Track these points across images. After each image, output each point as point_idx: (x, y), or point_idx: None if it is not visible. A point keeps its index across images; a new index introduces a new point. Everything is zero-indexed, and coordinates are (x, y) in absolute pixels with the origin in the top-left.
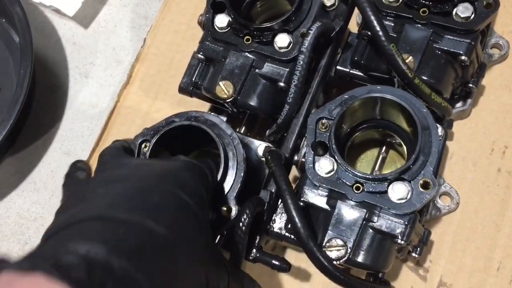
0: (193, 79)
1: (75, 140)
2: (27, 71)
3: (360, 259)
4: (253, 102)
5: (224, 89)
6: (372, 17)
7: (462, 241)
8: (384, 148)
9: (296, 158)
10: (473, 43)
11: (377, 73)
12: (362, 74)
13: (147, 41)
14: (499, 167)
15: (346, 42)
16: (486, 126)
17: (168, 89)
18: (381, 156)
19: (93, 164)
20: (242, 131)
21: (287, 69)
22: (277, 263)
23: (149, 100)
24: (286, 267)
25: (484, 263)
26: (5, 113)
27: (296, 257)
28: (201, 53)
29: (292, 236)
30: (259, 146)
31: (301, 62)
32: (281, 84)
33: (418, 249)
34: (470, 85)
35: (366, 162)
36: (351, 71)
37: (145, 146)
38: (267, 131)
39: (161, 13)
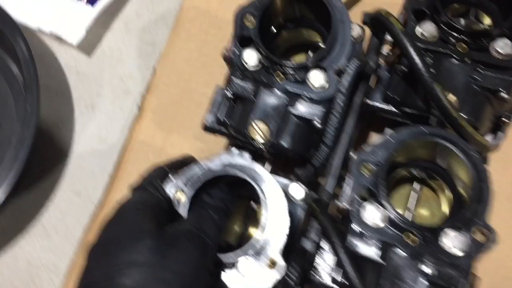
0: (219, 117)
1: (85, 178)
2: (34, 109)
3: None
4: (288, 145)
5: (260, 132)
6: (414, 54)
7: None
8: (415, 183)
9: (340, 205)
10: None
11: (412, 109)
12: (394, 110)
13: (157, 70)
14: None
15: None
16: None
17: (182, 121)
18: (413, 193)
19: (107, 206)
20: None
21: (323, 109)
22: None
23: (163, 134)
24: None
25: None
26: (7, 151)
27: None
28: (229, 90)
29: None
30: (294, 188)
31: (341, 104)
32: (317, 124)
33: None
34: (503, 119)
35: (398, 198)
36: (381, 106)
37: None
38: (299, 171)
39: (170, 39)
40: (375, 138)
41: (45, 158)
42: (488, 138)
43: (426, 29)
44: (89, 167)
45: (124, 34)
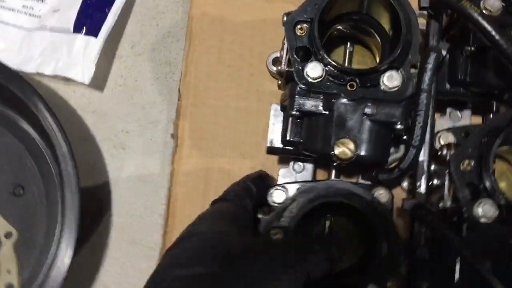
0: (287, 137)
1: (135, 224)
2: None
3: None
4: (371, 154)
5: (345, 148)
6: (489, 26)
7: None
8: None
9: (443, 205)
10: None
11: (484, 88)
12: (463, 91)
13: (182, 92)
14: None
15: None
16: None
17: (224, 142)
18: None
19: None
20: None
21: (401, 109)
22: None
23: (207, 160)
24: None
25: None
26: (37, 214)
27: None
28: (295, 109)
29: None
30: (379, 192)
31: (425, 101)
32: (398, 126)
33: None
34: None
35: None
36: (451, 90)
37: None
38: (381, 176)
39: (186, 55)
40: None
41: (87, 213)
42: None
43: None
44: (136, 212)
45: (133, 58)
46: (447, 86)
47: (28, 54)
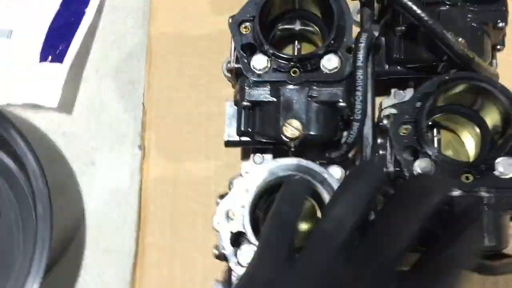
0: (241, 128)
1: (109, 234)
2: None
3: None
4: (320, 132)
5: (292, 128)
6: (420, 11)
7: None
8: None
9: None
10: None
11: (418, 63)
12: (400, 69)
13: (146, 106)
14: None
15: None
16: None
17: (189, 147)
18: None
19: (143, 252)
20: None
21: (342, 88)
22: None
23: (174, 165)
24: None
25: None
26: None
27: None
28: (246, 100)
29: None
30: (333, 170)
31: (361, 77)
32: (341, 104)
33: None
34: (498, 47)
35: None
36: (389, 69)
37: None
38: (331, 154)
39: (148, 72)
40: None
41: (62, 228)
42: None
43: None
44: (110, 222)
45: (98, 80)
46: (386, 66)
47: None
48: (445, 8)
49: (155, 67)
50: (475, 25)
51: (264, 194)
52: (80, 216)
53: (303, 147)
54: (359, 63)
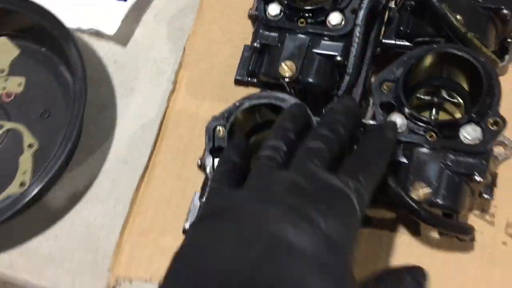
0: (249, 69)
1: (130, 149)
2: (82, 95)
3: (441, 200)
4: (313, 79)
5: (287, 68)
6: None
7: None
8: (434, 110)
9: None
10: None
11: (423, 38)
12: (407, 43)
13: (187, 50)
14: None
15: (388, 17)
16: None
17: (212, 89)
18: (432, 118)
19: (152, 170)
20: None
21: (342, 43)
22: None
23: (197, 102)
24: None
25: None
26: (58, 134)
27: None
28: (257, 42)
29: None
30: None
31: (358, 34)
32: (338, 58)
33: (489, 189)
34: (509, 40)
35: None
36: (397, 42)
37: (219, 131)
38: (325, 107)
39: (196, 23)
40: None
41: (93, 137)
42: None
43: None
44: (133, 140)
45: (155, 23)
46: (396, 39)
47: (71, 13)
48: None
49: (202, 20)
50: (480, 10)
51: (251, 117)
52: (111, 131)
53: (303, 94)
54: (358, 22)
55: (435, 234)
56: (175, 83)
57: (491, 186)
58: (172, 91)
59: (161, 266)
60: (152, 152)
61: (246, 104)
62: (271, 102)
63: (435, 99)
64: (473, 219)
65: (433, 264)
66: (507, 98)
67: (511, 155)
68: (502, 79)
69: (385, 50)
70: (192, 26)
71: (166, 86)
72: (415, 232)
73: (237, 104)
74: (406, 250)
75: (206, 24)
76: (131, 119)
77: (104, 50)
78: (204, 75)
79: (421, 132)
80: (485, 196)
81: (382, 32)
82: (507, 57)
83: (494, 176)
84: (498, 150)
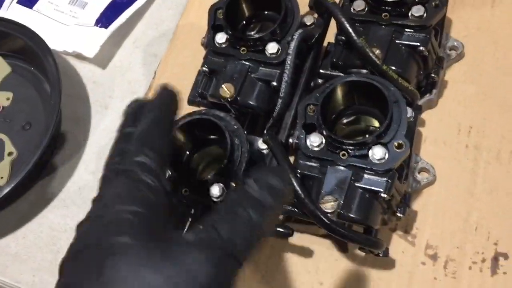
0: (199, 91)
1: (99, 161)
2: (55, 109)
3: (350, 213)
4: (251, 101)
5: (227, 90)
6: (344, 21)
7: (442, 209)
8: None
9: (290, 141)
10: (428, 36)
11: (353, 69)
12: (341, 74)
13: (157, 74)
14: (467, 143)
15: (326, 50)
16: (451, 112)
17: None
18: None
19: None
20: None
21: (278, 71)
22: (280, 229)
23: None
24: (288, 232)
25: (463, 225)
26: (36, 145)
27: (299, 237)
28: (205, 66)
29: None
30: (260, 141)
31: (289, 62)
32: (274, 83)
33: (402, 208)
34: (432, 75)
35: None
36: (332, 73)
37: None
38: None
39: (168, 49)
40: None
41: (68, 148)
42: (427, 96)
43: (356, 4)
44: (102, 153)
45: (132, 49)
46: (331, 70)
47: (58, 37)
48: (377, 26)
49: (174, 47)
50: (400, 45)
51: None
52: (83, 144)
53: (243, 114)
54: (290, 51)
55: (360, 252)
56: None
57: (405, 205)
58: None
59: None
60: None
61: (181, 122)
62: (204, 118)
63: (359, 124)
64: (396, 239)
65: (358, 278)
66: (435, 128)
67: (433, 180)
68: (430, 111)
69: (326, 79)
70: (165, 52)
71: None
72: (343, 249)
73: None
74: (334, 264)
75: (177, 51)
76: (102, 134)
77: (85, 71)
78: None
79: (336, 151)
80: (398, 214)
81: (320, 63)
82: (434, 91)
83: (406, 196)
84: (421, 176)
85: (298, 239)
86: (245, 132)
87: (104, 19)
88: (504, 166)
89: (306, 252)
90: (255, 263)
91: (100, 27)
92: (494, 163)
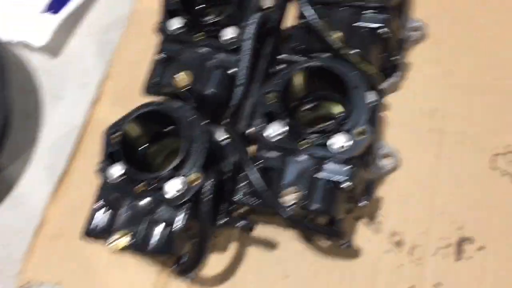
0: (156, 80)
1: (53, 156)
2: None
3: (313, 205)
4: (208, 90)
5: (182, 79)
6: (303, 3)
7: (407, 195)
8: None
9: (250, 130)
10: (389, 16)
11: (315, 53)
12: (303, 58)
13: (113, 62)
14: (430, 127)
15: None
16: (416, 95)
17: (136, 99)
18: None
19: (69, 176)
20: None
21: (235, 58)
22: (241, 223)
23: (120, 111)
24: (249, 225)
25: (428, 210)
26: None
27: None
28: (161, 54)
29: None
30: (219, 129)
31: (245, 47)
32: (232, 70)
33: (366, 196)
34: (395, 57)
35: None
36: (293, 57)
37: (114, 137)
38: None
39: (123, 36)
40: None
41: (18, 143)
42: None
43: None
44: (55, 147)
45: (86, 36)
46: (292, 55)
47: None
48: (337, 9)
49: (129, 34)
50: (363, 28)
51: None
52: (35, 138)
53: (200, 103)
54: (247, 36)
55: (325, 242)
56: (100, 92)
57: (369, 192)
58: (97, 100)
59: (70, 269)
60: (70, 159)
61: (135, 114)
62: (156, 110)
63: (321, 110)
64: (362, 227)
65: (323, 267)
66: (399, 111)
67: (397, 166)
68: (394, 94)
69: (287, 65)
70: (120, 39)
71: (91, 96)
72: (308, 239)
73: (130, 113)
74: (299, 255)
75: (133, 38)
76: (56, 126)
77: (36, 61)
78: (128, 86)
79: (297, 140)
80: (362, 203)
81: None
82: (398, 73)
83: (370, 184)
84: (385, 161)
85: (262, 231)
86: (206, 122)
87: (55, 4)
88: (468, 149)
89: (270, 244)
90: (218, 257)
91: (51, 13)
92: (458, 146)
